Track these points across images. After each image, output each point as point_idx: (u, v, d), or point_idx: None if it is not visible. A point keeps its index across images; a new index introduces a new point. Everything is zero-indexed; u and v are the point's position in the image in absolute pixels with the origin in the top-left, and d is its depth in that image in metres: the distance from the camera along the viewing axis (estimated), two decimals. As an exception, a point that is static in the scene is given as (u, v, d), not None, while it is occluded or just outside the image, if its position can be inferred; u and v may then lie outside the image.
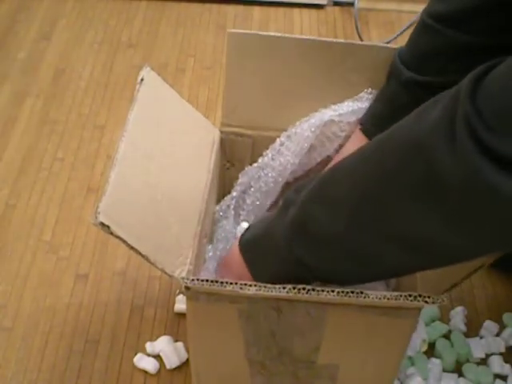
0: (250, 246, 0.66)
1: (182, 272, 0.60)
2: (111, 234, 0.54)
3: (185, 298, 0.90)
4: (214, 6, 1.43)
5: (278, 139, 0.79)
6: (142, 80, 0.69)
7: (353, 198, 0.53)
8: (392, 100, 0.75)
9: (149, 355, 0.86)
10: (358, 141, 0.77)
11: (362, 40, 1.34)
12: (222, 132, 0.80)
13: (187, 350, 0.87)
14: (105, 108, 1.19)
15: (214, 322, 0.63)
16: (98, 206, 0.55)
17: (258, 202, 0.80)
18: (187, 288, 0.58)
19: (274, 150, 0.79)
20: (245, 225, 0.77)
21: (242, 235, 0.68)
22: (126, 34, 1.35)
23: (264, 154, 0.79)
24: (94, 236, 1.00)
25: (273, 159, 0.78)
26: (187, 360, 0.86)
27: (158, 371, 0.85)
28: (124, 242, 0.55)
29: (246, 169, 0.80)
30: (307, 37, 0.77)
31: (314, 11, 1.43)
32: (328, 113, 0.78)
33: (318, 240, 0.56)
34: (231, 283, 0.56)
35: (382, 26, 1.40)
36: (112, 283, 0.94)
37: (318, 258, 0.57)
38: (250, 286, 0.56)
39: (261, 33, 0.76)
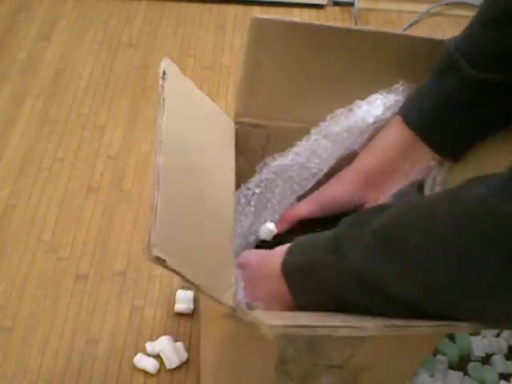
0: (296, 274, 0.62)
1: (229, 297, 0.55)
2: (166, 267, 0.50)
3: (185, 298, 0.90)
4: (214, 6, 1.43)
5: (312, 137, 0.74)
6: (164, 74, 0.64)
7: (431, 258, 0.50)
8: (448, 97, 0.69)
9: (149, 355, 0.86)
10: (399, 131, 0.72)
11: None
12: (235, 123, 0.76)
13: (187, 350, 0.87)
14: (105, 108, 1.19)
15: (254, 343, 0.58)
16: (150, 239, 0.50)
17: (285, 201, 0.76)
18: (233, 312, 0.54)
19: (309, 149, 0.75)
20: (270, 226, 0.74)
21: (285, 258, 0.63)
22: (126, 34, 1.35)
23: (294, 150, 0.75)
24: (94, 236, 1.00)
25: (308, 160, 0.74)
26: (187, 360, 0.86)
27: (158, 371, 0.85)
28: (178, 274, 0.51)
29: (273, 164, 0.76)
30: (331, 24, 0.73)
31: (313, 11, 1.43)
32: (364, 111, 0.73)
33: (381, 295, 0.54)
34: (304, 326, 0.51)
35: (382, 25, 1.40)
36: (112, 283, 0.94)
37: (379, 307, 0.55)
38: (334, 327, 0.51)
39: (285, 19, 0.72)
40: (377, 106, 0.74)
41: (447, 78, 0.69)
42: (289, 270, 0.63)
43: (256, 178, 0.77)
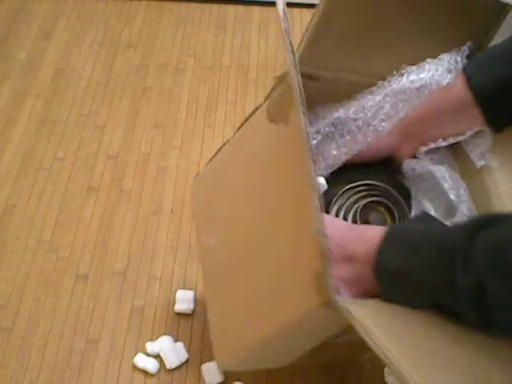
0: (392, 278, 0.57)
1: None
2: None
3: (185, 298, 0.90)
4: (214, 6, 1.43)
5: (378, 95, 0.71)
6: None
7: None
8: None
9: (149, 355, 0.86)
10: (458, 90, 0.69)
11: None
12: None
13: (187, 350, 0.87)
14: (105, 108, 1.19)
15: (322, 325, 0.59)
16: None
17: (340, 154, 0.72)
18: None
19: (375, 106, 0.71)
20: (321, 180, 0.70)
21: (380, 253, 0.57)
22: (126, 34, 1.35)
23: (358, 103, 0.71)
24: (94, 236, 1.00)
25: (374, 117, 0.70)
26: (187, 360, 0.86)
27: (158, 371, 0.85)
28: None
29: (334, 116, 0.72)
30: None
31: (314, 11, 1.43)
32: (431, 73, 0.70)
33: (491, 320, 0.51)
34: None
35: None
36: (112, 283, 0.94)
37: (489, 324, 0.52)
38: None
39: None
40: (443, 67, 0.71)
41: None
42: (385, 270, 0.57)
43: (313, 129, 0.72)
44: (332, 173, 0.73)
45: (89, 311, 0.91)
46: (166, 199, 1.05)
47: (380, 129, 0.71)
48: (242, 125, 0.70)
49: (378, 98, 0.71)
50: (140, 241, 0.99)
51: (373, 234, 0.59)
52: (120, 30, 1.36)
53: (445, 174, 0.70)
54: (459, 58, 0.70)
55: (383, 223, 0.70)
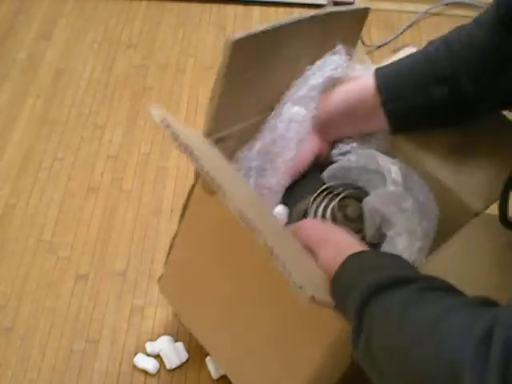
0: (340, 298, 0.61)
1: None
2: None
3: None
4: (214, 6, 1.43)
5: (281, 108, 0.74)
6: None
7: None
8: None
9: (149, 355, 0.86)
10: (367, 91, 0.74)
11: (362, 40, 1.34)
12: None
13: (187, 350, 0.87)
14: (105, 108, 1.19)
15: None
16: None
17: (280, 178, 0.75)
18: None
19: (284, 120, 0.74)
20: (281, 208, 0.74)
21: (337, 273, 0.61)
22: (126, 34, 1.35)
23: (266, 128, 0.75)
24: (94, 236, 1.00)
25: (287, 130, 0.74)
26: (187, 360, 0.86)
27: (158, 371, 0.85)
28: None
29: (252, 152, 0.75)
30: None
31: (313, 11, 1.43)
32: (318, 75, 0.75)
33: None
34: None
35: (382, 25, 1.40)
36: (112, 283, 0.94)
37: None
38: None
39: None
40: (327, 67, 0.76)
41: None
42: (335, 291, 0.62)
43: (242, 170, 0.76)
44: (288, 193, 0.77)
45: (89, 311, 0.91)
46: (165, 199, 1.05)
47: (299, 137, 0.74)
48: (181, 217, 0.73)
49: (283, 112, 0.74)
50: (140, 241, 0.99)
51: (352, 247, 0.64)
52: (120, 30, 1.36)
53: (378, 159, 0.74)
54: (337, 57, 0.76)
55: (361, 211, 0.73)
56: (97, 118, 1.18)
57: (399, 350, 0.51)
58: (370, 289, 0.55)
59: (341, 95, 0.76)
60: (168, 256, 0.79)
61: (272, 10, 1.43)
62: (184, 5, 1.43)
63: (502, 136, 0.75)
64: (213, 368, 0.85)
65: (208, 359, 0.85)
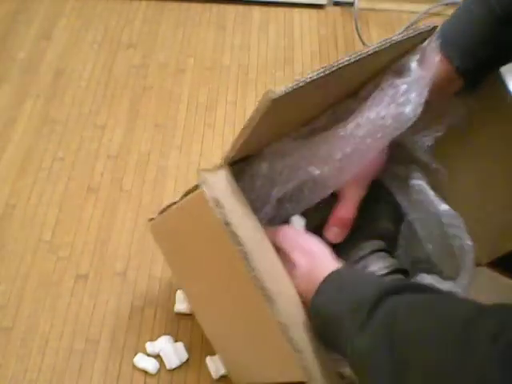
0: (320, 319, 0.64)
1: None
2: None
3: (185, 297, 0.90)
4: (214, 6, 1.43)
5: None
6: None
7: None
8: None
9: (149, 355, 0.86)
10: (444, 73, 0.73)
11: (362, 40, 1.34)
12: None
13: (187, 350, 0.87)
14: (105, 108, 1.19)
15: None
16: None
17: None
18: None
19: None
20: (297, 219, 0.74)
21: (317, 294, 0.64)
22: (126, 34, 1.35)
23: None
24: (94, 236, 1.00)
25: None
26: (187, 360, 0.86)
27: (158, 371, 0.85)
28: None
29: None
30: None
31: (313, 11, 1.43)
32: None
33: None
34: None
35: (382, 26, 1.40)
36: (112, 283, 0.94)
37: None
38: None
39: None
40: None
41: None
42: (314, 312, 0.65)
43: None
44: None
45: (89, 311, 0.91)
46: (165, 199, 1.05)
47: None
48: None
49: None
50: (140, 241, 0.99)
51: (327, 267, 0.66)
52: (120, 30, 1.36)
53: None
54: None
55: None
56: (97, 117, 1.18)
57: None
58: (375, 296, 0.57)
59: None
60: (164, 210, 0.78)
61: (272, 9, 1.43)
62: (184, 5, 1.43)
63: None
64: (213, 368, 0.85)
65: (208, 359, 0.85)
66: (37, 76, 1.25)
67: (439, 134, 0.77)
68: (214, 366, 0.84)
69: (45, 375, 0.84)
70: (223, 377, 0.84)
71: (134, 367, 0.85)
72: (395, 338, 0.53)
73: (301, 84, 0.58)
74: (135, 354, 0.86)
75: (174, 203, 0.72)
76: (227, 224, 0.61)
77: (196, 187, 0.66)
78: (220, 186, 0.65)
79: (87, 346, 0.87)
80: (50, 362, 0.86)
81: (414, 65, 0.71)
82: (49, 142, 1.13)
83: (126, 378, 0.85)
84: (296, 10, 1.43)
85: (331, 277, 0.65)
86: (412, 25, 1.39)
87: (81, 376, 0.84)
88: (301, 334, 0.64)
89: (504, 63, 0.73)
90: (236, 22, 1.40)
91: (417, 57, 0.72)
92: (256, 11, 1.43)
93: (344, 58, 0.61)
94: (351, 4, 1.41)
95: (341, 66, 0.61)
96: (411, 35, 0.69)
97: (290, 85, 0.58)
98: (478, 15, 0.72)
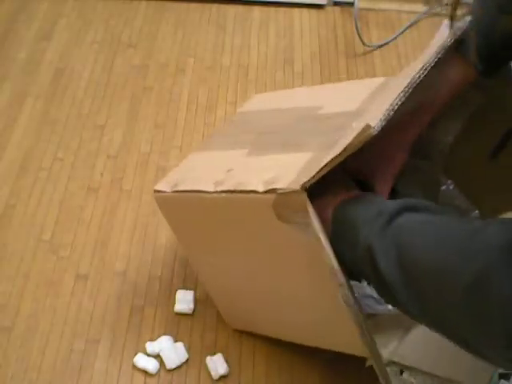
0: (341, 222, 0.66)
1: None
2: None
3: (185, 298, 0.90)
4: (214, 6, 1.43)
5: None
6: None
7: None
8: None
9: (149, 355, 0.86)
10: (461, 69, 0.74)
11: (362, 40, 1.34)
12: None
13: (187, 350, 0.87)
14: (105, 108, 1.19)
15: None
16: None
17: None
18: None
19: None
20: None
21: (342, 203, 0.66)
22: (126, 34, 1.35)
23: None
24: (94, 236, 1.00)
25: None
26: (187, 360, 0.86)
27: (158, 371, 0.85)
28: None
29: None
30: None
31: (314, 11, 1.43)
32: None
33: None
34: None
35: (382, 26, 1.40)
36: (112, 283, 0.94)
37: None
38: None
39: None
40: None
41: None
42: (335, 216, 0.66)
43: None
44: None
45: (89, 311, 0.91)
46: (166, 199, 1.05)
47: None
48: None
49: None
50: (140, 241, 0.99)
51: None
52: (120, 30, 1.36)
53: None
54: None
55: None
56: (97, 117, 1.18)
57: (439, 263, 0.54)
58: (395, 208, 0.60)
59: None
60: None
61: (272, 9, 1.43)
62: (184, 5, 1.43)
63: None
64: (213, 368, 0.85)
65: (208, 359, 0.85)
66: (37, 76, 1.25)
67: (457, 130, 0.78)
68: (214, 366, 0.84)
69: (45, 375, 0.84)
70: (223, 377, 0.85)
71: (134, 367, 0.85)
72: (406, 244, 0.57)
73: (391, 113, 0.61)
74: (135, 354, 0.86)
75: (205, 192, 0.72)
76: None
77: (251, 192, 0.66)
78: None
79: (87, 346, 0.87)
80: (49, 362, 0.86)
81: None
82: (49, 142, 1.13)
83: (126, 378, 0.85)
84: (296, 10, 1.43)
85: (357, 196, 0.67)
86: (412, 25, 1.39)
87: (81, 376, 0.84)
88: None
89: None
90: (236, 22, 1.40)
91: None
92: (256, 11, 1.43)
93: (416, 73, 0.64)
94: (351, 4, 1.41)
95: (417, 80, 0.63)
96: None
97: (384, 117, 0.60)
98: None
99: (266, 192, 0.64)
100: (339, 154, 0.59)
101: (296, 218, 0.62)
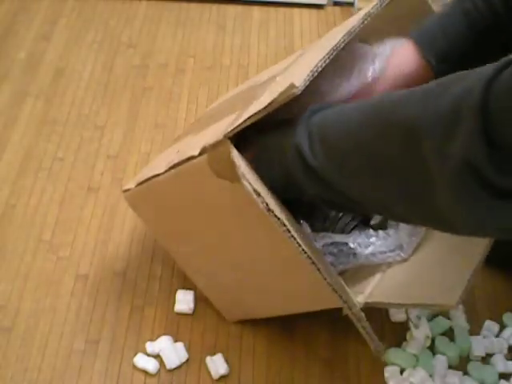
0: (262, 150, 0.69)
1: None
2: None
3: (185, 298, 0.90)
4: (214, 6, 1.43)
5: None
6: None
7: (343, 146, 0.60)
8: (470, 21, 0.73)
9: (149, 355, 0.86)
10: (410, 57, 0.75)
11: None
12: None
13: (187, 350, 0.87)
14: (105, 108, 1.19)
15: None
16: None
17: None
18: None
19: None
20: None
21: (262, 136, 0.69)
22: (126, 34, 1.35)
23: None
24: (94, 236, 1.00)
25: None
26: (187, 360, 0.86)
27: (158, 371, 0.85)
28: None
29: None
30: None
31: (314, 11, 1.43)
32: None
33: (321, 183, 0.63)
34: None
35: (382, 25, 1.40)
36: (112, 283, 0.94)
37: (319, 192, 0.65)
38: None
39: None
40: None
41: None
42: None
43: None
44: None
45: (89, 311, 0.91)
46: (165, 199, 1.05)
47: None
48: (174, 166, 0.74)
49: None
50: (140, 241, 0.99)
51: None
52: (120, 30, 1.36)
53: None
54: None
55: None
56: (97, 117, 1.18)
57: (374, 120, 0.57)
58: (309, 111, 0.65)
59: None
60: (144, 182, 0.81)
61: (272, 9, 1.43)
62: (184, 5, 1.43)
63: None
64: (213, 368, 0.85)
65: (208, 359, 0.85)
66: (37, 76, 1.25)
67: None
68: (214, 365, 0.84)
69: (45, 375, 0.84)
70: (223, 377, 0.84)
71: (134, 367, 0.85)
72: (328, 128, 0.62)
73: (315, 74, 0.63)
74: (135, 354, 0.86)
75: (158, 175, 0.76)
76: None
77: (190, 158, 0.68)
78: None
79: (87, 346, 0.87)
80: (49, 362, 0.86)
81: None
82: (49, 142, 1.13)
83: (126, 378, 0.85)
84: (296, 10, 1.43)
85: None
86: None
87: (81, 376, 0.84)
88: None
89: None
90: (236, 22, 1.40)
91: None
92: (256, 11, 1.43)
93: (339, 37, 0.66)
94: (351, 4, 1.41)
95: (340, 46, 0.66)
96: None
97: (307, 77, 0.62)
98: (455, 21, 0.74)
99: (200, 154, 0.67)
100: (264, 108, 0.62)
101: (231, 170, 0.64)
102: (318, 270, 0.66)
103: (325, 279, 0.67)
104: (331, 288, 0.67)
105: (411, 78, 0.74)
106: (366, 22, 0.68)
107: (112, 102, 1.21)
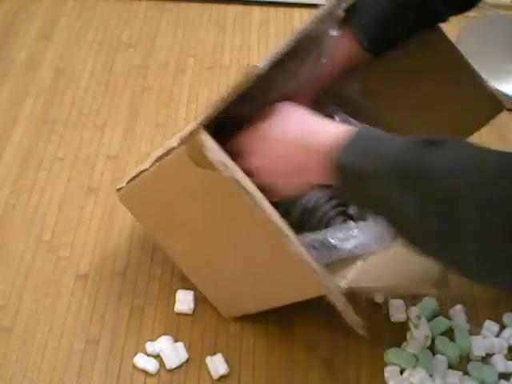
0: (352, 179, 0.61)
1: None
2: None
3: (185, 298, 0.90)
4: (214, 6, 1.43)
5: None
6: None
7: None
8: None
9: (149, 355, 0.86)
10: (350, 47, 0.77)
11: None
12: None
13: (187, 350, 0.87)
14: (105, 108, 1.19)
15: None
16: None
17: None
18: None
19: None
20: None
21: (344, 151, 0.61)
22: (126, 34, 1.35)
23: None
24: (94, 236, 1.00)
25: None
26: (187, 360, 0.86)
27: (158, 371, 0.85)
28: None
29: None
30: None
31: (314, 11, 1.43)
32: None
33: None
34: None
35: (382, 25, 1.40)
36: (112, 283, 0.94)
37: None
38: None
39: None
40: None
41: None
42: (347, 168, 0.61)
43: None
44: None
45: (89, 311, 0.91)
46: (165, 199, 1.05)
47: None
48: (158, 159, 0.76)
49: None
50: (140, 241, 0.99)
51: (331, 129, 0.64)
52: (120, 30, 1.36)
53: None
54: None
55: None
56: (97, 117, 1.18)
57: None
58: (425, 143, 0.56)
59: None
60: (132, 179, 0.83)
61: (272, 9, 1.43)
62: (184, 5, 1.43)
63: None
64: (213, 368, 0.85)
65: (208, 359, 0.85)
66: (37, 76, 1.25)
67: None
68: (214, 365, 0.84)
69: (45, 375, 0.84)
70: (223, 377, 0.85)
71: (134, 367, 0.85)
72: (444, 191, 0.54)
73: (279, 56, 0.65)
74: (135, 354, 0.86)
75: (145, 170, 0.78)
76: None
77: (171, 150, 0.71)
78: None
79: (87, 346, 0.87)
80: (49, 362, 0.86)
81: None
82: (49, 142, 1.13)
83: (126, 378, 0.85)
84: (296, 10, 1.43)
85: (358, 135, 0.62)
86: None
87: (81, 376, 0.84)
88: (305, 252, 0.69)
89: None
90: (236, 22, 1.40)
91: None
92: (256, 11, 1.43)
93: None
94: (351, 4, 1.40)
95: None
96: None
97: (270, 59, 0.64)
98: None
99: (180, 144, 0.68)
100: (232, 91, 0.63)
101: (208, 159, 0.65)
102: (292, 242, 0.66)
103: (305, 260, 0.66)
104: (311, 267, 0.67)
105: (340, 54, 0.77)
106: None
107: (112, 101, 1.21)
